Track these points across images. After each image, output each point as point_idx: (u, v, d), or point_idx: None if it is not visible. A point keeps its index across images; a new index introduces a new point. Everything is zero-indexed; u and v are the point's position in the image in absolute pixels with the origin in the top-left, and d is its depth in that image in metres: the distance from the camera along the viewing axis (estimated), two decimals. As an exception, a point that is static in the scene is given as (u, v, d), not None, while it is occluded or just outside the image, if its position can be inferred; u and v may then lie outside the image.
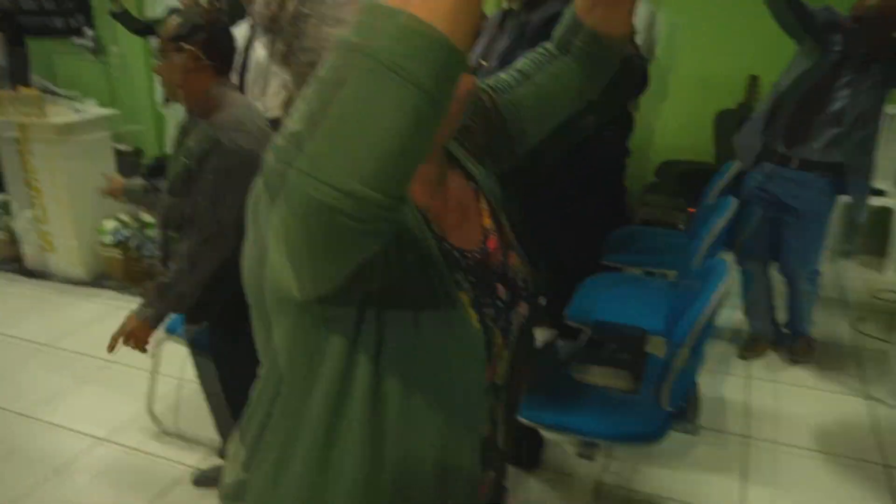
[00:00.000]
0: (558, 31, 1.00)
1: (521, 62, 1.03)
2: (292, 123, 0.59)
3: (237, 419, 0.98)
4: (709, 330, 1.62)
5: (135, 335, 1.79)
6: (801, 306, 2.92)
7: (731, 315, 3.39)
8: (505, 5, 2.02)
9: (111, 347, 1.80)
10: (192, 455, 2.46)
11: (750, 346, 3.04)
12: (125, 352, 1.83)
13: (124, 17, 4.70)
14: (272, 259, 0.73)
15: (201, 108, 1.77)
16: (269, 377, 0.88)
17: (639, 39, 2.78)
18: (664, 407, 1.66)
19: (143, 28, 4.57)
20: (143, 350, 1.83)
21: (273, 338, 0.84)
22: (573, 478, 2.29)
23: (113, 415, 2.71)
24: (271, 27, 0.80)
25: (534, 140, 1.03)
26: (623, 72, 2.45)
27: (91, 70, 6.43)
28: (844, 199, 2.81)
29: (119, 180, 2.16)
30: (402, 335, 0.78)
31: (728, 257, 3.16)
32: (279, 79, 3.20)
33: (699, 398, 1.91)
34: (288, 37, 0.79)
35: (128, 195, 2.11)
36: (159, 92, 6.01)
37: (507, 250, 0.93)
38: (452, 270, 0.82)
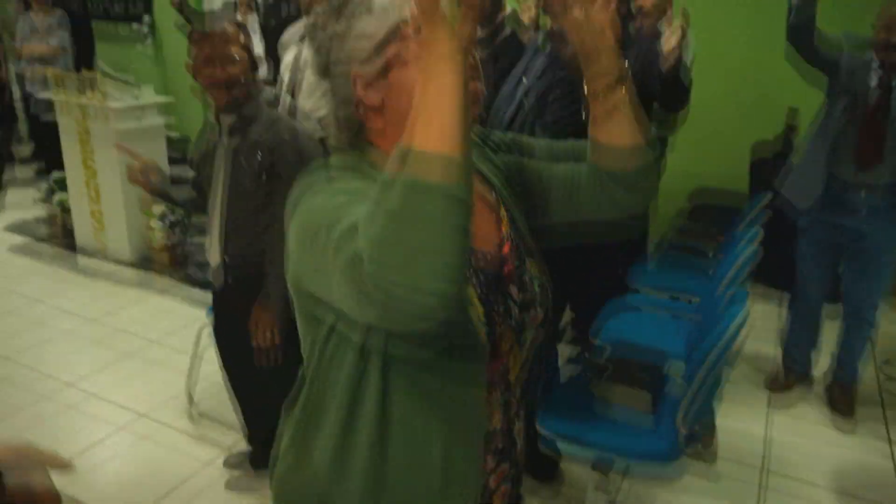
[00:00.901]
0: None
1: (568, 145, 1.06)
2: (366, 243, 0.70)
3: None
4: (725, 357, 1.69)
5: (263, 323, 1.95)
6: (855, 349, 2.87)
7: (757, 346, 3.43)
8: (546, 27, 2.11)
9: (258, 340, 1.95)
10: (227, 437, 2.59)
11: (779, 380, 3.04)
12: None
13: (185, 7, 4.95)
14: (336, 297, 0.80)
15: (237, 105, 1.91)
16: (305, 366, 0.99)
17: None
18: (679, 429, 1.73)
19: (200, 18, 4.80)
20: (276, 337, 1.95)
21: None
22: (586, 493, 2.36)
23: (153, 392, 2.86)
24: (314, 43, 0.95)
25: (555, 217, 1.05)
26: (668, 83, 2.54)
27: (143, 56, 6.66)
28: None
29: (143, 159, 2.21)
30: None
31: (750, 287, 3.21)
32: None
33: (715, 425, 1.97)
34: (326, 52, 0.93)
35: (154, 191, 2.21)
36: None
37: (525, 257, 1.00)
38: None
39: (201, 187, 2.12)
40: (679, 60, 2.52)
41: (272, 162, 1.91)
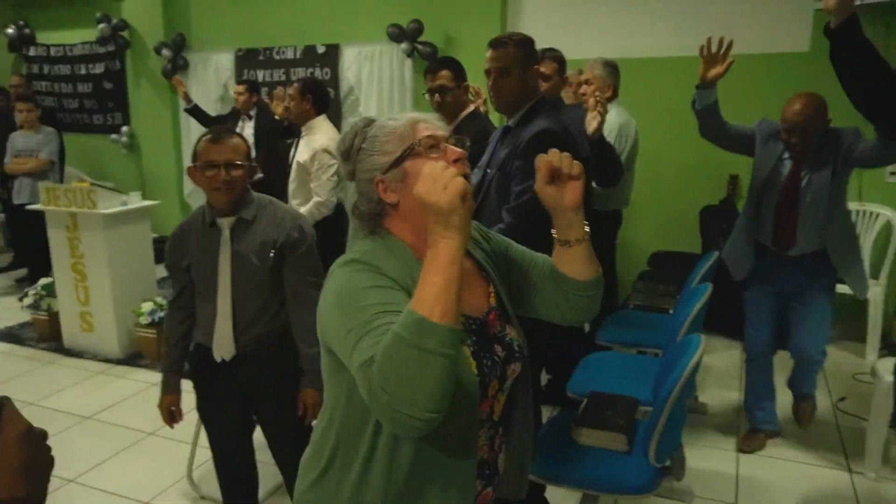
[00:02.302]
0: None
1: (539, 260, 1.36)
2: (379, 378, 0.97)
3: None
4: (686, 394, 1.92)
5: (312, 402, 2.16)
6: (808, 376, 3.11)
7: (722, 393, 3.68)
8: (507, 122, 2.44)
9: (303, 416, 2.18)
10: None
11: (750, 439, 3.15)
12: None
13: (196, 112, 5.33)
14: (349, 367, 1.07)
15: (236, 208, 2.12)
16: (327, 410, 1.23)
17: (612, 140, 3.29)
18: (652, 462, 1.93)
19: (213, 120, 5.23)
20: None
21: (333, 379, 1.20)
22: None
23: (155, 481, 2.96)
24: (345, 156, 1.24)
25: (528, 310, 1.37)
26: (601, 157, 2.95)
27: (125, 163, 6.96)
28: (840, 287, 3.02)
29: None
30: None
31: (711, 340, 3.46)
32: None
33: (684, 457, 2.17)
34: (353, 163, 1.23)
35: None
36: (186, 185, 6.53)
37: (505, 324, 1.28)
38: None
39: (178, 271, 2.21)
40: (602, 139, 2.92)
41: (281, 252, 2.12)
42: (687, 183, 4.69)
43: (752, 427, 3.21)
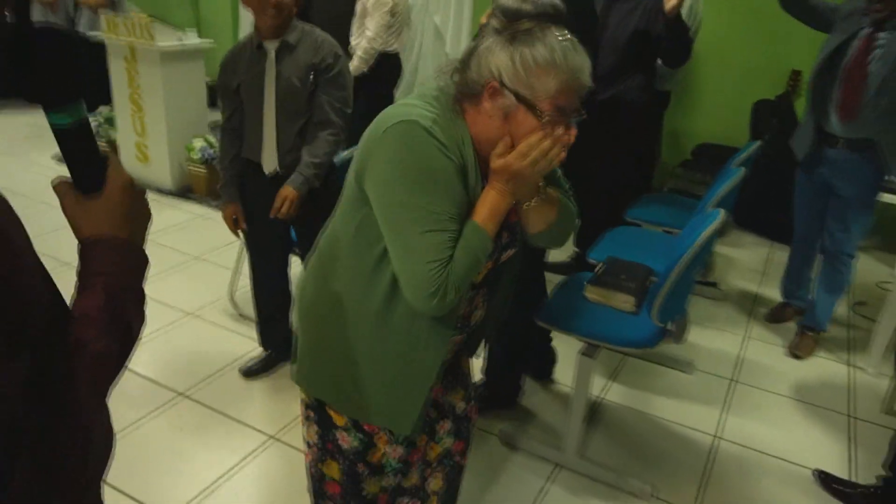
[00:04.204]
0: None
1: None
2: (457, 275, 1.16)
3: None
4: (698, 261, 2.01)
5: (289, 199, 2.27)
6: (831, 292, 3.10)
7: (744, 285, 3.76)
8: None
9: (275, 212, 2.28)
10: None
11: (779, 312, 3.40)
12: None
13: None
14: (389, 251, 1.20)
15: (281, 31, 2.25)
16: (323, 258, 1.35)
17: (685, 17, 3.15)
18: (654, 320, 2.06)
19: None
20: (293, 213, 2.28)
21: (341, 223, 1.30)
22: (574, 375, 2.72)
23: (198, 298, 3.24)
24: (509, 15, 1.16)
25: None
26: (669, 36, 2.89)
27: (181, 5, 6.93)
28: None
29: None
30: None
31: (744, 235, 3.45)
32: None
33: (687, 323, 2.30)
34: (467, 64, 1.19)
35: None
36: (242, 27, 6.50)
37: (518, 219, 1.34)
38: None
39: (229, 92, 2.35)
40: (678, 18, 2.82)
41: (317, 74, 2.26)
42: (746, 74, 4.52)
43: (783, 301, 3.42)
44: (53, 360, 0.66)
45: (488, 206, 1.18)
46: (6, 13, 0.75)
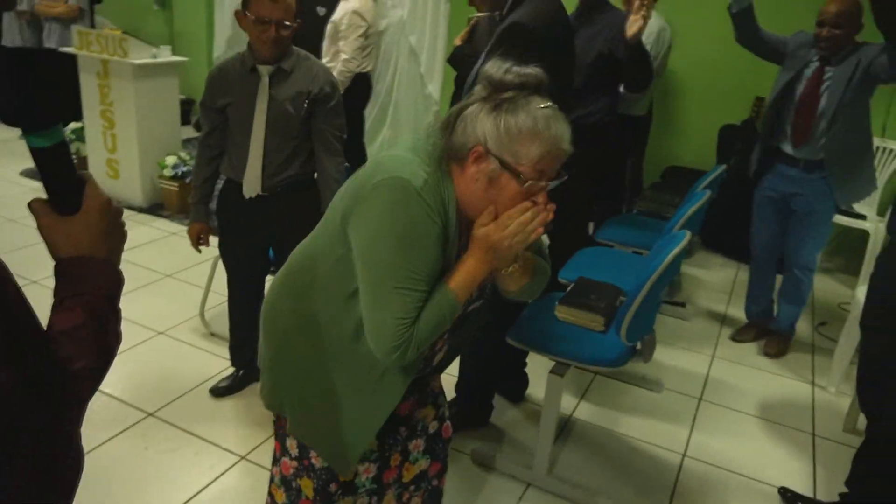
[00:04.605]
0: None
1: None
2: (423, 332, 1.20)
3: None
4: (664, 280, 2.06)
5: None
6: (793, 301, 3.28)
7: (712, 305, 3.84)
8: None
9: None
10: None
11: (744, 332, 3.50)
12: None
13: None
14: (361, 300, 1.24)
15: (277, 59, 2.25)
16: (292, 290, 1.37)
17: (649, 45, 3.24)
18: (623, 340, 2.10)
19: None
20: None
21: (322, 247, 1.31)
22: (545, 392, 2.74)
23: (169, 316, 3.21)
24: (495, 84, 1.20)
25: None
26: (633, 59, 2.98)
27: (156, 19, 6.91)
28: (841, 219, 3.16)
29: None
30: None
31: (710, 256, 3.53)
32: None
33: (654, 342, 2.34)
34: (453, 127, 1.22)
35: None
36: (217, 44, 6.50)
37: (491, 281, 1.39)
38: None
39: (214, 109, 2.33)
40: (640, 44, 2.90)
41: (313, 104, 2.27)
42: (711, 101, 4.66)
43: (748, 321, 3.52)
44: (41, 374, 0.67)
45: (465, 272, 1.22)
46: None
